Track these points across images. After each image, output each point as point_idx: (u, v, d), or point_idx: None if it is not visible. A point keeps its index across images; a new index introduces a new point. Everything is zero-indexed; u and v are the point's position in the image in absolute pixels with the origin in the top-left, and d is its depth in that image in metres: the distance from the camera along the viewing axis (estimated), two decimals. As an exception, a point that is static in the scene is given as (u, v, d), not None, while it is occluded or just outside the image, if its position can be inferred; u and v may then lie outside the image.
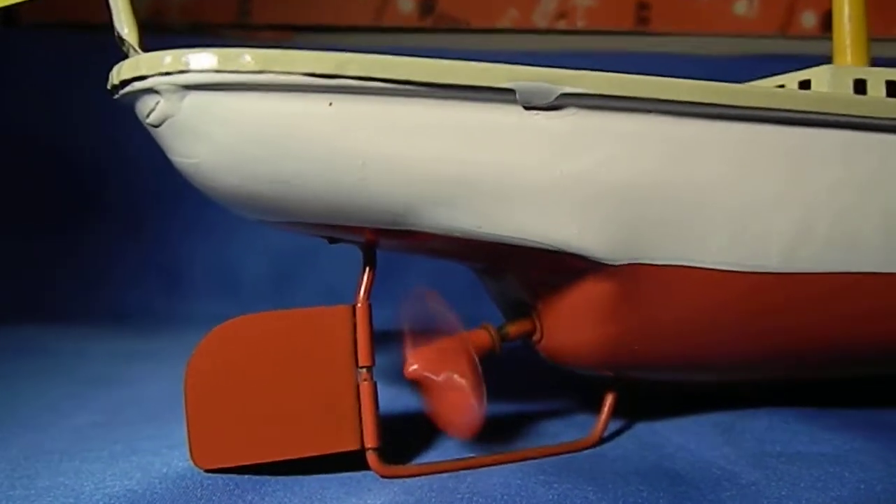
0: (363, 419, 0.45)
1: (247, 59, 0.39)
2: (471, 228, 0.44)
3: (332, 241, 0.50)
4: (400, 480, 0.45)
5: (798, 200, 0.49)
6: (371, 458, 0.45)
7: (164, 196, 1.11)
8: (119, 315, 1.04)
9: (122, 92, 0.41)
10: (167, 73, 0.40)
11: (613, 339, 0.50)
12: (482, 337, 0.50)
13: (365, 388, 0.45)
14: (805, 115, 0.48)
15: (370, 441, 0.45)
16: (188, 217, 1.13)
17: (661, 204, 0.47)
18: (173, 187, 0.51)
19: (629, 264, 0.47)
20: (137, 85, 0.40)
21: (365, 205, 0.43)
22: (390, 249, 0.51)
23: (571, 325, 0.50)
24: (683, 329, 0.50)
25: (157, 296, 1.11)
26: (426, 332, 0.47)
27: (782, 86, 0.58)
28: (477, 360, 0.48)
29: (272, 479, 0.44)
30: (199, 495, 0.42)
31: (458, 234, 0.45)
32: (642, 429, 0.55)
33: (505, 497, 0.42)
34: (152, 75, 0.40)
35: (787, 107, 0.48)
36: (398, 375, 0.47)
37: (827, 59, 0.58)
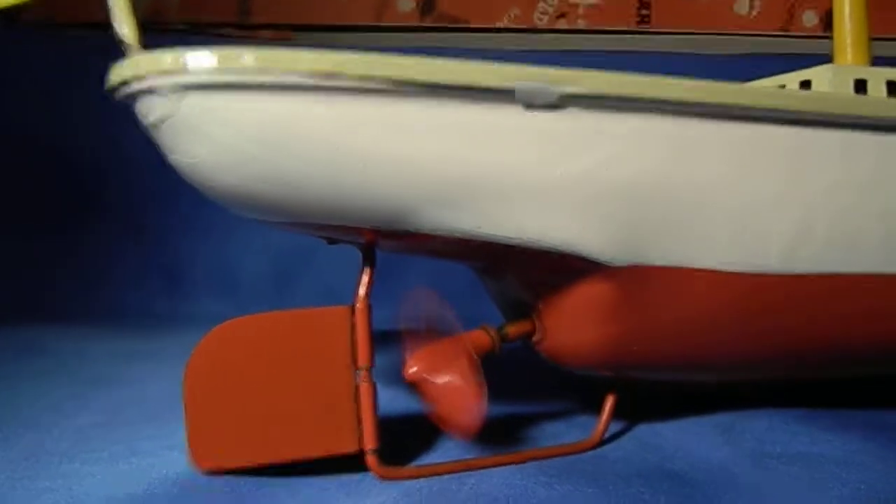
0: (362, 420, 0.45)
1: (246, 59, 0.39)
2: (471, 229, 0.44)
3: (332, 241, 0.50)
4: (399, 482, 0.45)
5: (799, 200, 0.49)
6: (370, 459, 0.45)
7: (164, 196, 1.11)
8: (119, 315, 1.04)
9: (121, 92, 0.41)
10: (166, 73, 0.39)
11: (614, 340, 0.49)
12: (482, 337, 0.50)
13: (364, 389, 0.45)
14: (805, 115, 0.48)
15: (369, 443, 0.45)
16: (188, 217, 1.13)
17: (661, 204, 0.47)
18: (172, 187, 0.51)
19: (630, 265, 0.47)
20: (136, 85, 0.40)
21: (364, 205, 0.43)
22: (390, 250, 0.51)
23: (572, 326, 0.50)
24: (684, 329, 0.50)
25: (157, 296, 1.11)
26: (426, 332, 0.47)
27: (783, 85, 0.57)
28: (478, 360, 0.47)
29: (271, 480, 0.44)
30: (197, 497, 0.42)
31: (458, 235, 0.45)
32: (643, 430, 0.55)
33: (506, 498, 0.42)
34: (152, 75, 0.40)
35: (788, 107, 0.47)
36: (397, 376, 0.47)
37: (828, 59, 0.57)
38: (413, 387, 0.47)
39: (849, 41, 0.58)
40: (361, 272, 0.47)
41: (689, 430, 0.55)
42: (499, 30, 1.24)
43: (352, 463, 0.45)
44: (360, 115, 0.41)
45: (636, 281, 0.48)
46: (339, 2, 1.23)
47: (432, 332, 0.47)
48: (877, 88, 0.54)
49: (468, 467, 0.47)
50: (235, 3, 1.22)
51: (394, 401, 0.56)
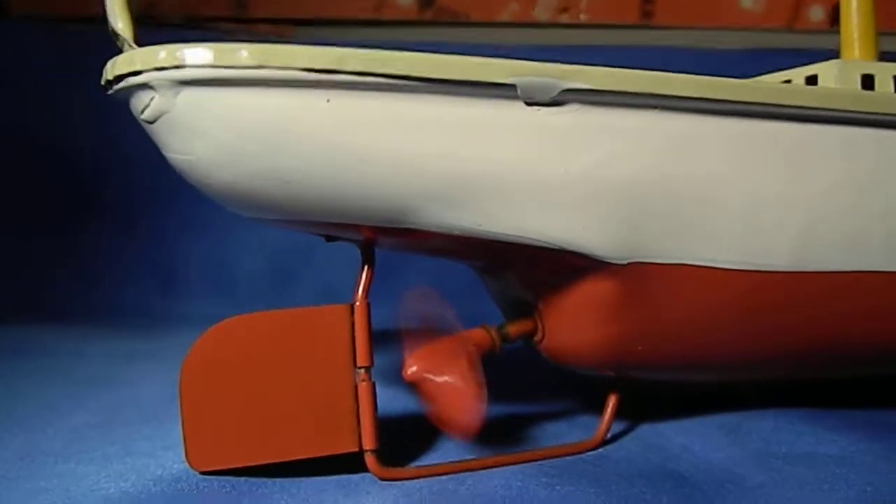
0: (361, 420, 0.44)
1: (243, 54, 0.39)
2: (471, 227, 0.44)
3: (330, 239, 0.49)
4: (399, 483, 0.44)
5: (804, 198, 0.48)
6: (369, 460, 0.44)
7: (160, 193, 1.11)
8: (115, 314, 1.03)
9: (116, 87, 0.41)
10: (162, 69, 0.39)
11: (617, 339, 0.49)
12: (482, 337, 0.49)
13: (363, 388, 0.44)
14: (812, 112, 0.47)
15: (368, 443, 0.44)
16: (184, 215, 1.12)
17: (665, 202, 0.46)
18: (169, 184, 0.50)
19: (633, 263, 0.47)
20: (132, 80, 0.40)
21: (363, 202, 0.43)
22: (389, 248, 0.50)
23: (574, 325, 0.50)
24: (687, 329, 0.50)
25: (154, 295, 1.11)
26: (425, 331, 0.47)
27: (789, 81, 0.57)
28: (478, 359, 0.47)
29: (269, 481, 0.43)
30: (194, 497, 0.42)
31: (457, 233, 0.44)
32: (646, 430, 0.55)
33: (506, 499, 0.42)
34: (147, 70, 0.39)
35: (794, 103, 0.47)
36: (397, 376, 0.47)
37: (835, 54, 0.57)
38: (412, 386, 0.46)
39: (856, 36, 0.57)
40: (360, 270, 0.47)
41: (692, 430, 0.54)
42: (499, 24, 1.23)
43: (350, 463, 0.44)
44: (359, 112, 0.41)
45: (638, 279, 0.47)
46: (337, -4, 1.22)
47: (432, 331, 0.47)
48: (884, 84, 0.53)
49: (468, 468, 0.46)
50: (232, -3, 1.21)
51: (393, 400, 0.56)
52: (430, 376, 0.45)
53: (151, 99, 0.40)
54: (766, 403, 0.59)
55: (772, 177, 0.48)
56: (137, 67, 0.39)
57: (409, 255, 0.58)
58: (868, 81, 0.53)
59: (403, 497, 0.42)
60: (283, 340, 0.44)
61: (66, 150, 1.15)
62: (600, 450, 0.50)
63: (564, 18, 1.23)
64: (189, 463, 0.44)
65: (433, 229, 0.44)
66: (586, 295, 0.48)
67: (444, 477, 0.45)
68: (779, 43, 1.19)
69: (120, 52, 0.41)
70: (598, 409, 0.52)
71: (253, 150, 0.41)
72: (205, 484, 0.43)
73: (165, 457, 0.47)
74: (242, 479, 0.44)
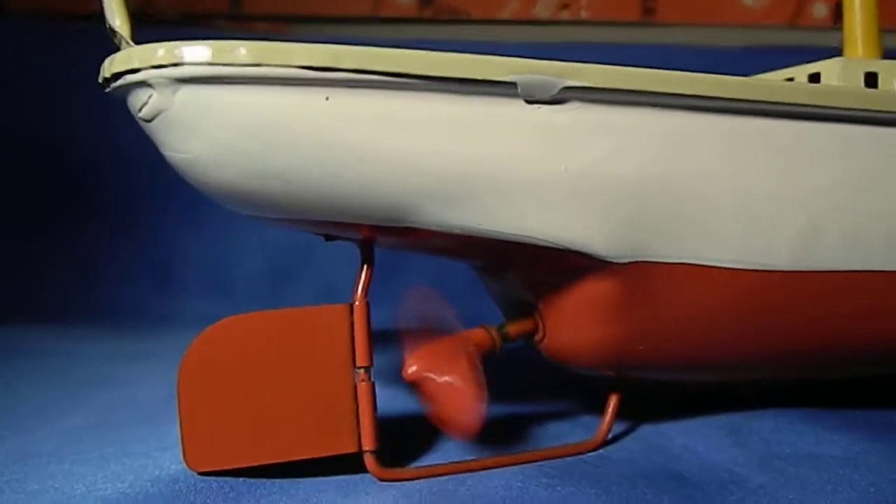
0: (361, 421, 0.44)
1: (241, 51, 0.39)
2: (471, 225, 0.44)
3: (329, 238, 0.49)
4: (398, 484, 0.44)
5: (805, 197, 0.48)
6: (369, 460, 0.44)
7: (157, 192, 1.11)
8: (112, 314, 1.03)
9: (113, 85, 0.41)
10: (160, 66, 0.39)
11: (618, 339, 0.49)
12: (482, 337, 0.49)
13: (363, 388, 0.44)
14: (814, 110, 0.47)
15: (368, 443, 0.44)
16: (181, 213, 1.12)
17: (666, 200, 0.46)
18: (166, 182, 0.50)
19: (634, 262, 0.46)
20: (130, 78, 0.40)
21: (362, 201, 0.42)
22: (389, 247, 0.50)
23: (574, 325, 0.49)
24: (688, 328, 0.50)
25: (150, 295, 1.10)
26: (425, 331, 0.46)
27: (792, 79, 0.57)
28: (478, 359, 0.47)
29: (267, 482, 0.43)
30: (192, 498, 0.41)
31: (457, 232, 0.44)
32: (647, 430, 0.54)
33: (506, 500, 0.41)
34: (145, 68, 0.39)
35: (796, 101, 0.47)
36: (397, 376, 0.47)
37: (838, 52, 0.56)
38: (412, 386, 0.46)
39: (859, 33, 0.57)
40: (360, 270, 0.46)
41: (694, 430, 0.54)
42: (500, 22, 1.23)
43: (350, 464, 0.44)
44: (357, 110, 0.40)
45: (641, 279, 0.47)
46: (334, -7, 1.22)
47: (432, 331, 0.46)
48: (888, 82, 0.53)
49: (468, 468, 0.46)
50: (228, -7, 1.21)
51: (393, 401, 0.56)
52: (431, 376, 0.45)
53: (149, 97, 0.40)
54: (767, 404, 0.59)
55: (772, 175, 0.47)
56: (135, 65, 0.39)
57: (408, 254, 0.58)
58: (871, 79, 0.53)
59: (403, 498, 0.42)
60: (281, 340, 0.44)
61: (62, 148, 1.15)
62: (601, 450, 0.50)
63: (565, 16, 1.23)
64: (187, 463, 0.43)
65: (433, 228, 0.44)
66: (587, 294, 0.48)
67: (443, 477, 0.45)
68: (781, 40, 1.19)
69: (117, 49, 0.41)
70: (599, 409, 0.52)
71: (251, 149, 0.40)
72: (203, 485, 0.43)
73: (163, 457, 0.47)
74: (241, 479, 0.43)
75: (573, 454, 0.49)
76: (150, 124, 0.41)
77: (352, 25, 1.21)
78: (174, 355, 0.44)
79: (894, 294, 0.51)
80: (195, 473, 0.44)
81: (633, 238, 0.46)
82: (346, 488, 0.43)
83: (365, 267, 0.46)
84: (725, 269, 0.48)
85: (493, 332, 0.50)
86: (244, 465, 0.43)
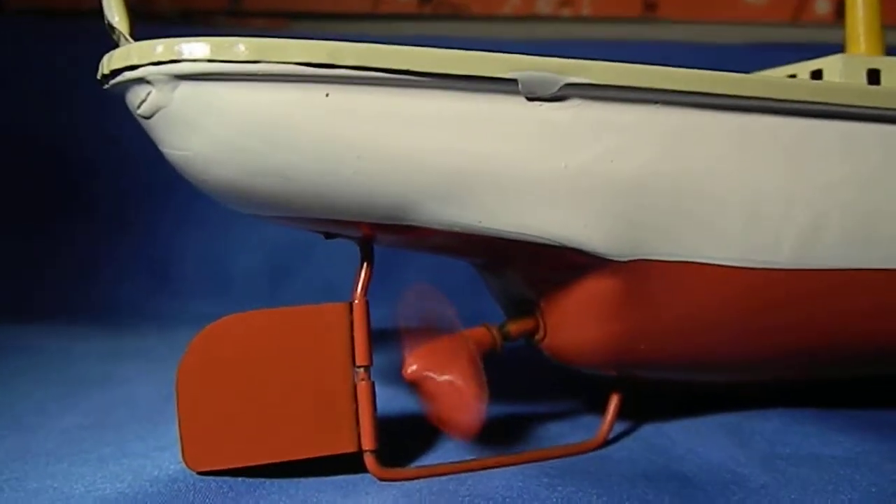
0: (360, 420, 0.44)
1: (240, 48, 0.39)
2: (471, 223, 0.43)
3: (329, 236, 0.49)
4: (398, 483, 0.44)
5: (807, 194, 0.48)
6: (368, 460, 0.44)
7: (155, 188, 1.10)
8: (110, 312, 1.03)
9: (112, 82, 0.40)
10: (159, 63, 0.39)
11: (619, 338, 0.49)
12: (483, 335, 0.49)
13: (362, 388, 0.44)
14: (817, 107, 0.47)
15: (367, 443, 0.44)
16: (180, 210, 1.12)
17: (668, 198, 0.46)
18: (165, 179, 0.50)
19: (635, 260, 0.46)
20: (128, 75, 0.39)
21: (362, 198, 0.42)
22: (388, 245, 0.50)
23: (575, 323, 0.49)
24: (690, 327, 0.50)
25: (149, 293, 1.10)
26: (425, 330, 0.46)
27: (794, 76, 0.56)
28: (479, 358, 0.46)
29: (267, 481, 0.43)
30: (191, 498, 0.41)
31: (457, 230, 0.44)
32: (649, 430, 0.54)
33: (506, 500, 0.41)
34: (143, 65, 0.39)
35: (798, 98, 0.47)
36: (396, 375, 0.46)
37: (840, 48, 0.56)
38: (412, 386, 0.46)
39: (862, 30, 0.56)
40: (359, 268, 0.46)
41: (696, 430, 0.54)
42: (500, 18, 1.23)
43: (349, 463, 0.44)
44: (357, 107, 0.40)
45: (641, 276, 0.47)
46: (335, -11, 1.21)
47: (432, 329, 0.46)
48: (891, 79, 0.52)
49: (468, 468, 0.46)
50: (228, -10, 1.21)
51: (392, 400, 0.56)
52: (431, 375, 0.45)
53: (148, 94, 0.39)
54: (769, 404, 0.59)
55: (773, 173, 0.47)
56: (134, 62, 0.39)
57: (408, 252, 0.58)
58: (874, 76, 0.53)
59: (403, 497, 0.42)
60: (280, 339, 0.43)
61: (61, 148, 1.14)
62: (602, 450, 0.50)
63: (566, 12, 1.22)
64: (186, 463, 0.43)
65: (433, 226, 0.44)
66: (588, 293, 0.48)
67: (444, 477, 0.45)
68: (783, 37, 1.19)
69: (116, 46, 0.40)
70: (601, 408, 0.52)
71: (250, 146, 0.40)
72: (202, 484, 0.42)
73: (162, 457, 0.47)
74: (240, 479, 0.43)
75: (574, 454, 0.49)
76: (149, 121, 0.40)
77: (351, 21, 1.21)
78: (173, 353, 0.44)
79: (896, 292, 0.51)
80: (194, 473, 0.43)
81: (634, 236, 0.46)
82: (346, 488, 0.43)
83: (364, 265, 0.46)
84: (727, 267, 0.47)
85: (494, 331, 0.50)
86: (243, 465, 0.43)
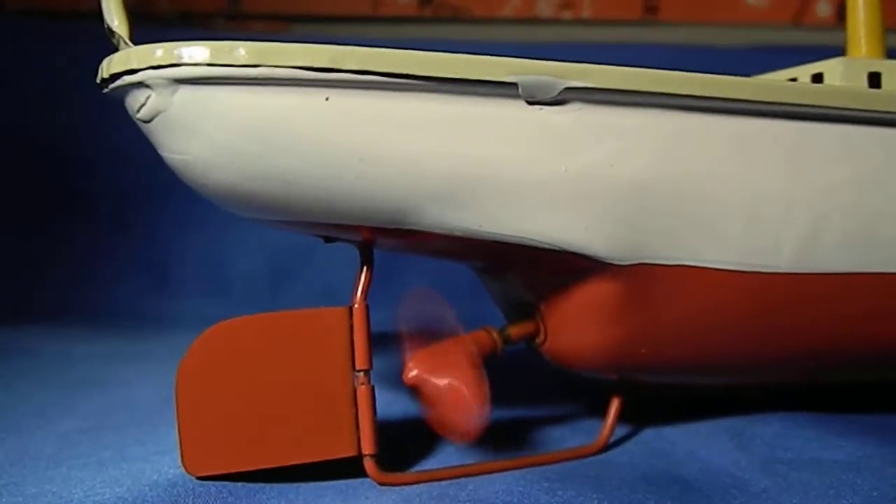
0: (360, 424, 0.44)
1: (240, 52, 0.38)
2: (471, 227, 0.43)
3: (329, 240, 0.49)
4: (398, 488, 0.44)
5: (809, 197, 0.48)
6: (368, 464, 0.44)
7: (155, 192, 1.10)
8: (109, 315, 1.03)
9: (111, 86, 0.40)
10: (158, 67, 0.39)
11: (620, 342, 0.49)
12: (483, 338, 0.49)
13: (362, 392, 0.44)
14: (817, 110, 0.47)
15: (367, 447, 0.44)
16: (179, 213, 1.12)
17: (668, 202, 0.46)
18: (164, 183, 0.50)
19: (636, 264, 0.46)
20: (128, 79, 0.39)
21: (362, 203, 0.42)
22: (389, 249, 0.50)
23: (576, 327, 0.49)
24: (690, 331, 0.49)
25: (148, 295, 1.10)
26: (426, 334, 0.46)
27: (795, 79, 0.56)
28: (480, 362, 0.46)
29: (266, 486, 0.43)
30: (190, 503, 0.41)
31: (458, 234, 0.44)
32: (650, 434, 0.54)
33: (507, 505, 0.41)
34: (143, 69, 0.39)
35: (799, 101, 0.46)
36: (396, 379, 0.46)
37: (841, 51, 0.56)
38: (413, 390, 0.45)
39: (862, 33, 0.56)
40: (359, 272, 0.46)
41: (697, 434, 0.54)
42: (501, 21, 1.22)
43: (349, 468, 0.44)
44: (358, 110, 0.40)
45: (641, 280, 0.47)
46: (334, -9, 1.21)
47: (432, 333, 0.46)
48: (891, 82, 0.52)
49: (469, 473, 0.46)
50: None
51: (393, 404, 0.56)
52: (431, 379, 0.45)
53: (147, 98, 0.39)
54: (771, 408, 0.59)
55: (774, 176, 0.47)
56: (133, 66, 0.39)
57: (408, 256, 0.58)
58: (874, 79, 0.52)
59: (403, 502, 0.41)
60: (280, 343, 0.43)
61: (61, 148, 1.14)
62: (603, 454, 0.50)
63: (567, 15, 1.22)
64: (185, 468, 0.43)
65: (434, 230, 0.43)
66: (588, 296, 0.48)
67: (444, 482, 0.45)
68: (784, 40, 1.19)
69: (116, 49, 0.40)
70: (601, 412, 0.52)
71: (250, 150, 0.40)
72: (201, 489, 0.42)
73: (161, 461, 0.47)
74: (240, 484, 0.43)
75: (575, 458, 0.49)
76: (149, 125, 0.40)
77: (351, 25, 1.21)
78: (172, 356, 0.44)
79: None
80: (193, 478, 0.43)
81: (634, 240, 0.46)
82: (346, 492, 0.43)
83: (364, 269, 0.46)
84: (727, 270, 0.47)
85: (495, 335, 0.49)
86: (243, 470, 0.43)
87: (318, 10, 1.20)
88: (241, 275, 1.12)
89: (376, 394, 0.44)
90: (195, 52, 0.38)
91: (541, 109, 0.42)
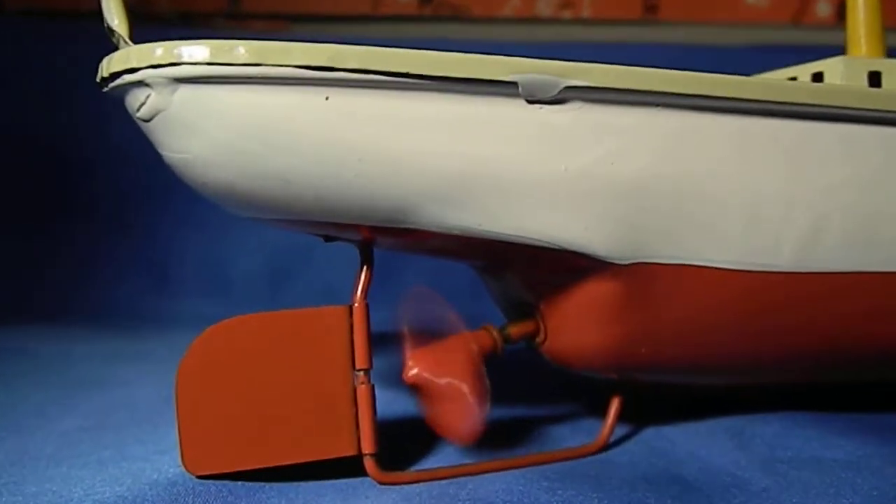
0: (360, 424, 0.44)
1: (240, 51, 0.38)
2: (471, 226, 0.43)
3: (329, 239, 0.49)
4: (398, 487, 0.44)
5: (810, 197, 0.48)
6: (368, 464, 0.44)
7: (155, 191, 1.10)
8: (109, 314, 1.03)
9: (111, 85, 0.40)
10: (158, 66, 0.39)
11: (620, 341, 0.48)
12: (483, 338, 0.49)
13: (362, 391, 0.44)
14: (817, 109, 0.47)
15: (367, 446, 0.44)
16: (179, 212, 1.12)
17: (668, 201, 0.46)
18: (164, 182, 0.50)
19: (636, 263, 0.46)
20: (128, 78, 0.39)
21: (363, 202, 0.42)
22: (388, 248, 0.50)
23: (576, 326, 0.49)
24: (690, 330, 0.49)
25: (148, 295, 1.10)
26: (426, 333, 0.46)
27: (794, 78, 0.56)
28: (480, 361, 0.46)
29: (266, 485, 0.43)
30: (190, 502, 0.41)
31: (457, 233, 0.44)
32: (650, 433, 0.54)
33: (507, 504, 0.41)
34: (143, 68, 0.39)
35: (799, 100, 0.46)
36: (396, 378, 0.46)
37: (841, 50, 0.56)
38: (413, 389, 0.45)
39: (862, 32, 0.56)
40: (359, 271, 0.46)
41: (697, 433, 0.54)
42: (501, 20, 1.22)
43: (349, 467, 0.44)
44: (357, 110, 0.40)
45: (641, 280, 0.47)
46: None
47: (433, 332, 0.46)
48: (892, 81, 0.52)
49: (468, 472, 0.46)
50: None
51: (392, 403, 0.56)
52: (432, 378, 0.45)
53: (147, 97, 0.39)
54: (771, 407, 0.59)
55: (774, 175, 0.47)
56: (133, 65, 0.39)
57: (408, 255, 0.58)
58: (875, 78, 0.52)
59: (403, 501, 0.41)
60: (280, 342, 0.43)
61: (61, 148, 1.14)
62: (603, 454, 0.50)
63: (567, 14, 1.22)
64: (185, 467, 0.43)
65: (433, 229, 0.43)
66: (588, 296, 0.48)
67: (444, 481, 0.45)
68: (784, 39, 1.19)
69: (116, 48, 0.40)
70: (601, 412, 0.52)
71: (250, 149, 0.40)
72: (201, 488, 0.42)
73: (161, 461, 0.46)
74: (239, 483, 0.43)
75: (575, 457, 0.49)
76: (149, 124, 0.40)
77: (351, 24, 1.21)
78: (172, 356, 0.44)
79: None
80: (193, 477, 0.43)
81: (635, 239, 0.45)
82: (346, 492, 0.43)
83: (364, 268, 0.46)
84: (727, 270, 0.47)
85: (495, 334, 0.49)
86: (243, 469, 0.43)
87: (318, 10, 1.20)
88: (241, 275, 1.12)
89: (376, 393, 0.44)
90: (195, 51, 0.38)
91: (541, 108, 0.42)
